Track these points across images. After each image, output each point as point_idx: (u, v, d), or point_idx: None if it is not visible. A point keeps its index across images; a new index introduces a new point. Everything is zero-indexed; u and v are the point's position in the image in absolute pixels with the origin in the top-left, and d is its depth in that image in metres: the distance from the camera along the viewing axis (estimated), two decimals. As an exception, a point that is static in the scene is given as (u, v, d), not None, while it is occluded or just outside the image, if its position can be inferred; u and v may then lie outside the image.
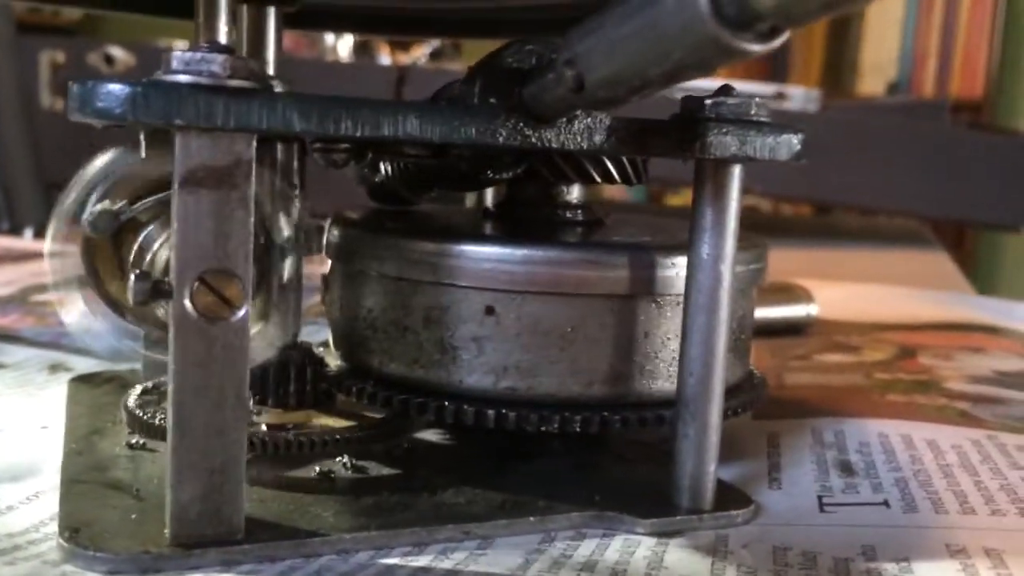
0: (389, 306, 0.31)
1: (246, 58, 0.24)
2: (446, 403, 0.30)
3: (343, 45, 1.30)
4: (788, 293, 0.58)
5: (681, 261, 0.29)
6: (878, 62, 2.12)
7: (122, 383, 0.38)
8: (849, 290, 0.70)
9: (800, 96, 1.22)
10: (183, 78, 0.23)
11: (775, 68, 2.12)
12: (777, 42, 0.19)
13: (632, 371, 0.30)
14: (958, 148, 1.06)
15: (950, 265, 0.99)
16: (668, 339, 0.30)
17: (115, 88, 0.23)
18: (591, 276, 0.29)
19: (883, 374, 0.47)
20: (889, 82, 2.10)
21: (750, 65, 2.17)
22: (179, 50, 0.23)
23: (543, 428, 0.29)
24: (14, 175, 0.93)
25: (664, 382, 0.31)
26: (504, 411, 0.29)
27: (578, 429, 0.29)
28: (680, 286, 0.29)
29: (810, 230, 1.35)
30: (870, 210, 1.30)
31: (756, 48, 0.18)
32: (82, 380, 0.40)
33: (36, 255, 0.76)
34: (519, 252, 0.29)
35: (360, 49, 1.31)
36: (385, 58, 1.31)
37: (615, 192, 2.01)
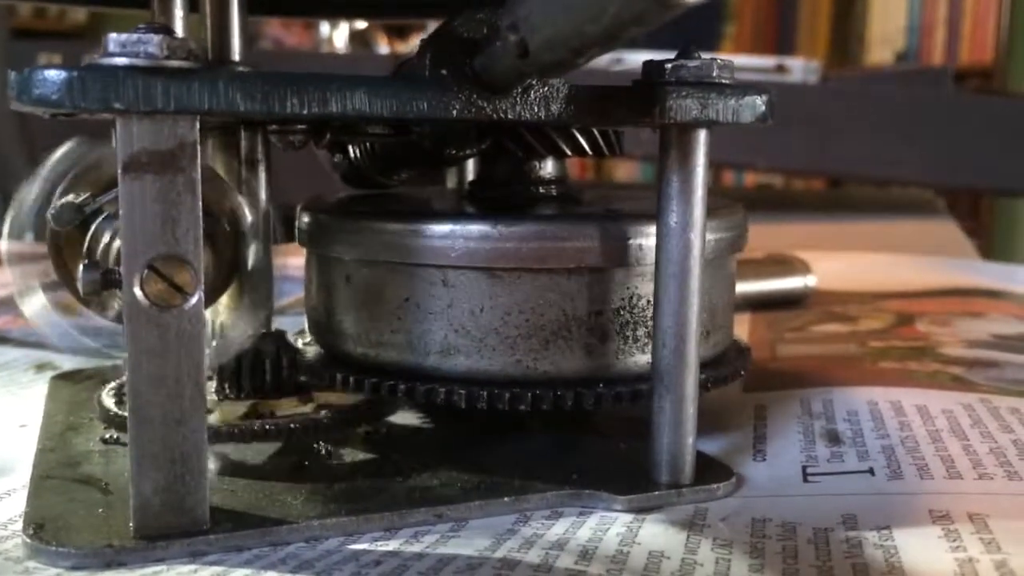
0: (355, 289, 0.30)
1: (186, 37, 0.23)
2: (435, 387, 0.29)
3: (339, 36, 1.29)
4: (785, 265, 0.57)
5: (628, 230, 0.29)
6: (885, 32, 2.10)
7: (103, 380, 0.38)
8: (850, 260, 0.69)
9: (800, 68, 1.21)
10: (120, 60, 0.23)
11: (781, 41, 2.10)
12: (712, -8, 0.18)
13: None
14: (962, 114, 1.05)
15: (959, 233, 0.98)
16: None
17: (51, 74, 0.22)
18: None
19: (877, 342, 0.46)
20: (897, 52, 2.08)
21: (755, 39, 2.16)
22: (116, 32, 0.23)
23: (528, 407, 0.29)
24: (12, 180, 0.93)
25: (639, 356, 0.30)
26: (478, 391, 0.29)
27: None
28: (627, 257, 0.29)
29: (821, 204, 1.34)
30: (877, 181, 1.28)
31: (690, 0, 0.18)
32: (63, 377, 0.40)
33: (34, 259, 0.76)
34: (477, 228, 0.28)
35: (357, 39, 1.30)
36: (383, 48, 1.31)
37: (626, 172, 2.00)
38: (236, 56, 0.35)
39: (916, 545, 0.25)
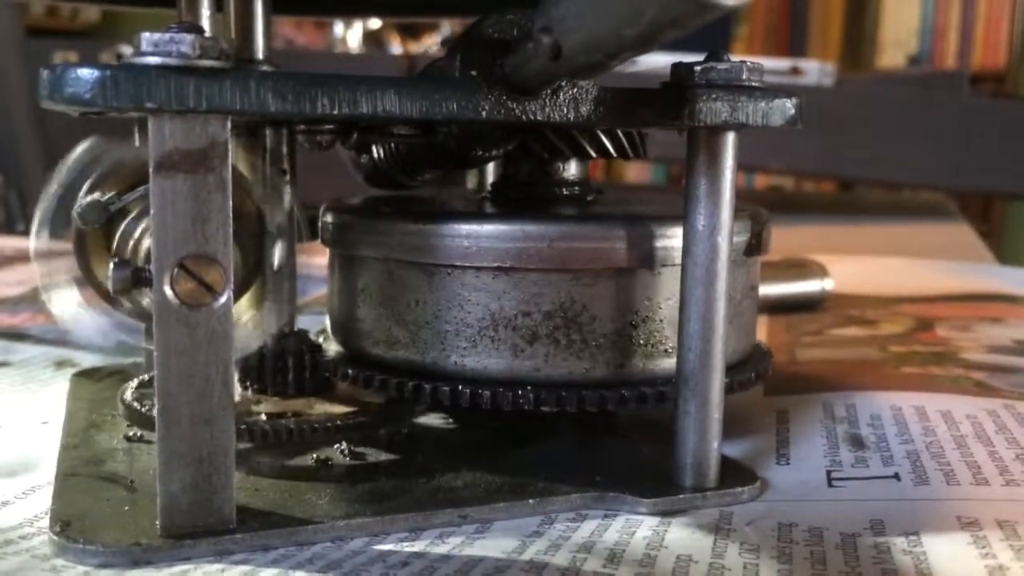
0: (378, 289, 0.30)
1: (217, 37, 0.23)
2: (456, 387, 0.29)
3: (352, 35, 1.29)
4: (802, 269, 0.57)
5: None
6: (898, 36, 2.10)
7: (124, 377, 0.38)
8: (867, 264, 0.69)
9: (815, 70, 1.20)
10: (153, 60, 0.23)
11: (793, 44, 2.09)
12: (752, -5, 0.18)
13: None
14: (977, 118, 1.04)
15: (973, 237, 0.97)
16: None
17: (84, 73, 0.22)
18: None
19: (898, 347, 0.46)
20: (910, 55, 2.07)
21: (768, 41, 2.15)
22: (148, 31, 0.23)
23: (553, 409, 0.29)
24: (28, 178, 0.94)
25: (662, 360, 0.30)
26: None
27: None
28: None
29: (833, 206, 1.34)
30: (890, 184, 1.28)
31: (730, 3, 0.18)
32: (84, 375, 0.40)
33: (49, 256, 0.76)
34: (501, 228, 0.28)
35: (370, 39, 1.30)
36: (396, 48, 1.31)
37: (637, 175, 2.00)
38: (259, 55, 0.35)
39: (945, 551, 0.25)
